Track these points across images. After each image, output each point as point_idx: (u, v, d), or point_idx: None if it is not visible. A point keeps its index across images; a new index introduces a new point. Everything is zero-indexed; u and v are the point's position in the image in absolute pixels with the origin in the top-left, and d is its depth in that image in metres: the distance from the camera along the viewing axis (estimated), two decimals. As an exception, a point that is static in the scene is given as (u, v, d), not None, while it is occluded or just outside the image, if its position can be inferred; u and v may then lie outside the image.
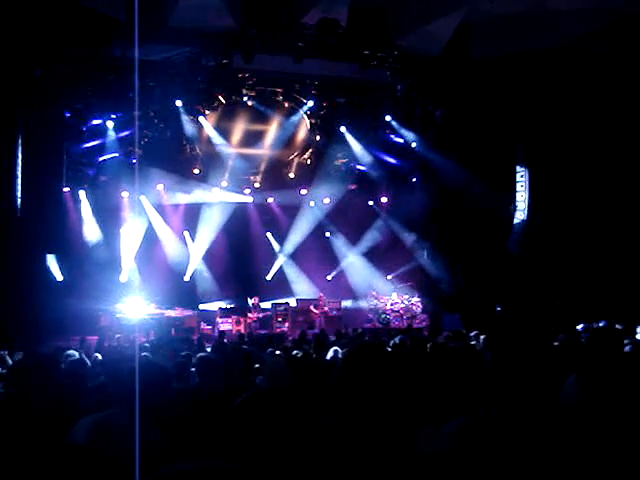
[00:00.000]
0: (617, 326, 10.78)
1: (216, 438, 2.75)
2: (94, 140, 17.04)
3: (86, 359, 7.33)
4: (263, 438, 2.51)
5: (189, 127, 17.94)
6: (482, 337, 9.14)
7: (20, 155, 13.38)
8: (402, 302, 18.70)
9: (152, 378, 3.09)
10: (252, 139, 19.27)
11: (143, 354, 7.81)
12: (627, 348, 5.61)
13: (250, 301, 18.32)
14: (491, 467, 2.17)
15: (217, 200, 20.46)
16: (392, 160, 20.35)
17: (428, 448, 2.18)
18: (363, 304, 19.56)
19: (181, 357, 7.11)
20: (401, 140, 19.19)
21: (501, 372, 2.49)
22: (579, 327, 11.95)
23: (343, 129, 19.22)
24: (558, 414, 2.48)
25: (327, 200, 21.17)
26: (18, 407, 3.11)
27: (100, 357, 8.40)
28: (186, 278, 20.23)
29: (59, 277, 16.46)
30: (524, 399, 2.38)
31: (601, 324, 11.34)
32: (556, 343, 6.75)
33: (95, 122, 16.59)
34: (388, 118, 18.49)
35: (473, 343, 8.81)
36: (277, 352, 8.63)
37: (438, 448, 2.22)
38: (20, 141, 13.41)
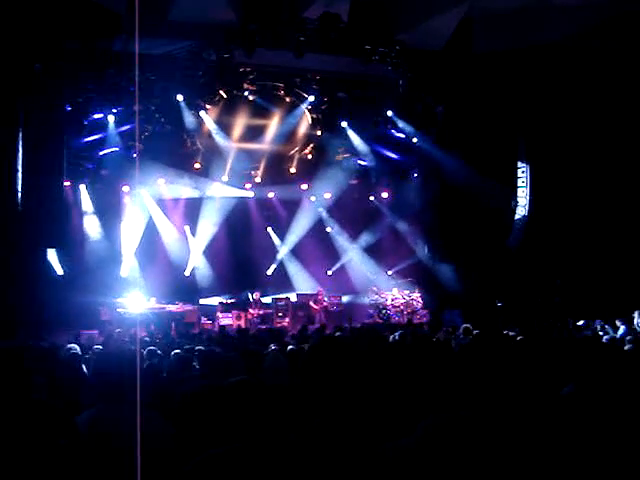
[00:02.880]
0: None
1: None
2: (95, 134, 17.02)
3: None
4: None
5: (190, 121, 17.90)
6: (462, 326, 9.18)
7: (21, 149, 13.38)
8: (403, 297, 18.67)
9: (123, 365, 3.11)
10: (253, 134, 19.23)
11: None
12: (627, 347, 5.59)
13: (251, 296, 18.32)
14: (457, 467, 2.14)
15: (218, 195, 20.43)
16: (393, 155, 20.32)
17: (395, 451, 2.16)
18: (364, 299, 19.54)
19: (184, 351, 7.15)
20: (402, 135, 19.14)
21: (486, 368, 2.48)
22: (580, 323, 11.99)
23: (344, 124, 19.19)
24: (551, 411, 2.46)
25: (328, 195, 21.15)
26: (20, 399, 3.10)
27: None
28: (187, 272, 20.22)
29: (60, 271, 16.48)
30: (514, 395, 2.38)
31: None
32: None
33: (96, 116, 16.54)
34: (389, 113, 18.44)
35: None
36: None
37: (406, 449, 2.20)
38: (21, 135, 13.41)
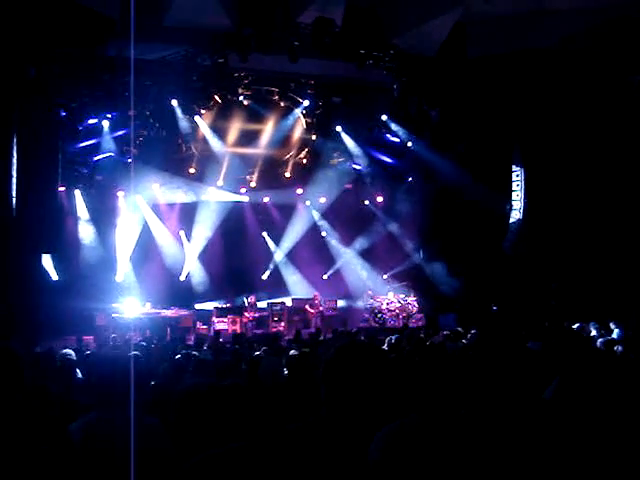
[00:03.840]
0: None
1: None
2: (89, 139, 17.00)
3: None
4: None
5: (185, 126, 17.92)
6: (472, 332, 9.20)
7: (15, 154, 13.34)
8: (398, 301, 18.69)
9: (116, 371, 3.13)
10: (248, 138, 19.26)
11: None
12: (619, 348, 5.61)
13: (246, 300, 18.30)
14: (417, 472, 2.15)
15: (213, 199, 20.44)
16: (388, 159, 20.36)
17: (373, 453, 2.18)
18: (359, 303, 19.56)
19: (181, 356, 7.13)
20: (397, 139, 19.21)
21: (485, 371, 2.49)
22: (575, 326, 11.98)
23: (339, 128, 19.25)
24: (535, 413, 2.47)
25: (323, 199, 21.18)
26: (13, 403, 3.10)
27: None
28: (182, 278, 20.20)
29: (54, 277, 16.45)
30: (505, 399, 2.38)
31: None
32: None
33: (90, 121, 16.55)
34: (384, 117, 18.51)
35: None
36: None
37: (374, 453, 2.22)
38: (15, 140, 13.37)
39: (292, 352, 8.03)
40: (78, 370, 6.71)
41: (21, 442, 2.44)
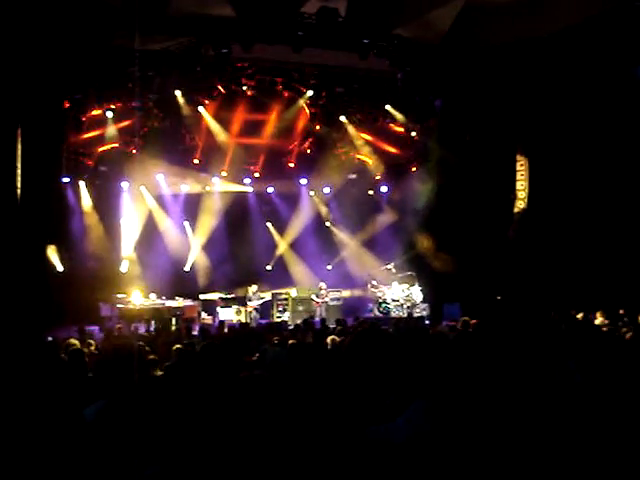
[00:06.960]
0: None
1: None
2: (94, 130, 17.04)
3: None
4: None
5: (188, 117, 17.90)
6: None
7: (20, 146, 13.38)
8: (402, 291, 18.69)
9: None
10: (252, 128, 19.27)
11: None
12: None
13: (250, 290, 18.34)
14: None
15: (217, 190, 20.47)
16: (392, 149, 20.33)
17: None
18: (363, 293, 19.56)
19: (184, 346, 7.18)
20: (401, 129, 19.18)
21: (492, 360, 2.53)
22: (579, 315, 12.00)
23: (343, 118, 19.21)
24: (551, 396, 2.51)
25: (327, 189, 21.18)
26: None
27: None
28: (186, 268, 20.23)
29: (59, 267, 16.50)
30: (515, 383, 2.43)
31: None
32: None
33: (94, 112, 16.58)
34: (388, 107, 18.46)
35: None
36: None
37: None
38: (20, 132, 13.40)
39: (291, 341, 8.08)
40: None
41: (44, 423, 2.52)
